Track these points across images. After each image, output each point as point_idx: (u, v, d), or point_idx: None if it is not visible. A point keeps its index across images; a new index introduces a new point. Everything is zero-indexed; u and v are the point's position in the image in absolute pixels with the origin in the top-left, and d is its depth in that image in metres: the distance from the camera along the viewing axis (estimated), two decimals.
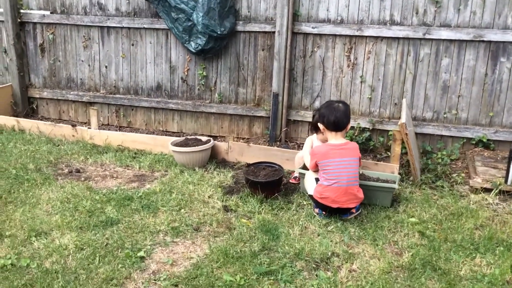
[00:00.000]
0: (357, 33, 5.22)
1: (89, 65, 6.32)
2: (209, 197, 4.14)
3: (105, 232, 3.47)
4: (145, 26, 5.92)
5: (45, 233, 3.45)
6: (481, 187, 4.27)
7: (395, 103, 5.32)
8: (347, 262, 3.14)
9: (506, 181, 4.24)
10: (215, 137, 5.87)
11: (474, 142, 5.11)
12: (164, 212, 3.82)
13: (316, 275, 3.01)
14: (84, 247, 3.26)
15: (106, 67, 6.26)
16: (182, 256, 3.22)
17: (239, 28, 5.59)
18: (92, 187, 4.30)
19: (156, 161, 5.00)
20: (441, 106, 5.19)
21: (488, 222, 3.74)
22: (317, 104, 5.57)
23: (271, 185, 4.12)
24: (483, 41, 4.89)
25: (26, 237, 3.38)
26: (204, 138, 5.11)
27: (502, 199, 4.14)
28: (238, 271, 3.00)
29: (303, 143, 5.57)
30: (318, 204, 3.72)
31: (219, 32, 5.42)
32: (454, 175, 4.66)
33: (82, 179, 4.52)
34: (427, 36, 5.01)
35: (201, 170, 4.74)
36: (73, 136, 5.62)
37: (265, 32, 5.56)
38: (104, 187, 4.34)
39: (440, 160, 4.93)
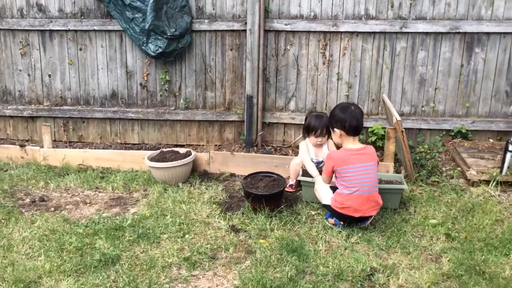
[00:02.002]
0: (332, 29, 5.01)
1: (29, 75, 5.55)
2: (207, 216, 3.72)
3: (108, 273, 2.95)
4: (95, 28, 5.29)
5: (35, 283, 2.86)
6: (479, 180, 4.23)
7: (373, 99, 5.19)
8: (392, 277, 2.90)
9: (501, 172, 4.24)
10: (181, 146, 5.39)
11: (452, 134, 5.12)
12: (167, 241, 3.35)
13: None
14: None
15: (49, 76, 5.53)
16: None
17: (204, 27, 5.16)
18: (68, 218, 3.70)
19: (130, 180, 4.46)
20: (419, 100, 5.14)
21: (501, 216, 3.69)
22: (292, 104, 5.30)
23: (276, 197, 3.79)
24: (458, 32, 4.89)
25: None
26: (182, 150, 4.65)
27: (501, 190, 4.13)
28: None
29: (280, 147, 5.33)
30: (337, 215, 3.46)
31: (168, 34, 4.96)
32: (445, 169, 4.61)
33: (52, 209, 3.89)
34: (404, 30, 4.92)
35: (186, 186, 4.29)
36: (22, 158, 4.89)
37: (233, 31, 5.18)
38: (82, 217, 3.76)
39: (424, 155, 4.86)
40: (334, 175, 3.55)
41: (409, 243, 3.30)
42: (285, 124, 5.36)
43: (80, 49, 5.41)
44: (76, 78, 5.50)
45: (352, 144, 3.51)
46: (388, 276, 2.92)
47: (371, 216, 3.51)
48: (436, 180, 4.37)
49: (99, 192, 4.26)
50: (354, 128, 3.46)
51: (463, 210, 3.78)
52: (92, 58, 5.42)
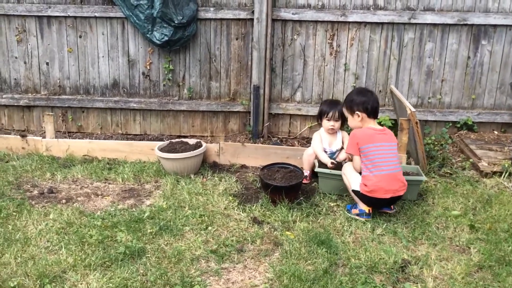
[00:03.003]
0: (340, 19, 4.96)
1: (25, 62, 5.34)
2: (225, 208, 3.64)
3: (136, 266, 2.86)
4: (96, 14, 5.11)
5: (60, 277, 2.75)
6: (491, 171, 4.26)
7: (380, 91, 5.18)
8: (425, 269, 2.89)
9: None
10: (185, 137, 5.26)
11: (458, 126, 5.15)
12: (190, 233, 3.27)
13: None
14: None
15: (47, 63, 5.33)
16: (244, 285, 2.74)
17: (210, 15, 5.05)
18: (83, 210, 3.57)
19: (139, 171, 4.33)
20: (425, 91, 5.15)
21: None
22: (298, 95, 5.25)
23: (295, 188, 3.74)
24: (465, 24, 4.91)
25: (39, 286, 2.65)
26: (191, 141, 4.55)
27: None
28: None
29: (286, 138, 5.28)
30: (366, 200, 3.41)
31: (176, 22, 4.84)
32: (454, 160, 4.64)
33: (63, 201, 3.75)
34: (413, 21, 4.91)
35: (198, 178, 4.20)
36: (23, 148, 4.70)
37: (239, 19, 5.08)
38: (97, 209, 3.64)
39: (433, 146, 4.87)
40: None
41: (435, 234, 3.30)
42: (290, 115, 5.31)
43: (80, 36, 5.23)
44: (75, 67, 5.32)
45: (372, 125, 3.51)
46: (421, 268, 2.90)
47: (398, 198, 3.48)
48: (448, 171, 4.38)
49: (109, 183, 4.13)
50: (375, 109, 3.54)
51: (480, 201, 3.80)
52: (93, 46, 5.25)
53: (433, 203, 3.80)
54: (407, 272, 2.87)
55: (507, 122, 5.12)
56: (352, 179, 3.52)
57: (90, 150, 4.65)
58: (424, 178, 3.85)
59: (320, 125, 4.31)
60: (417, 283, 2.77)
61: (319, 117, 4.24)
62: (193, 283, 2.71)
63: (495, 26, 4.91)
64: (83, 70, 5.33)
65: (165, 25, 4.89)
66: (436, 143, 4.97)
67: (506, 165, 4.24)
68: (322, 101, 4.37)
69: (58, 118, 5.45)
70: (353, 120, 3.61)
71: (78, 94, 5.40)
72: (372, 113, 3.51)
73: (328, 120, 4.15)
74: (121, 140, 5.21)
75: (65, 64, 5.32)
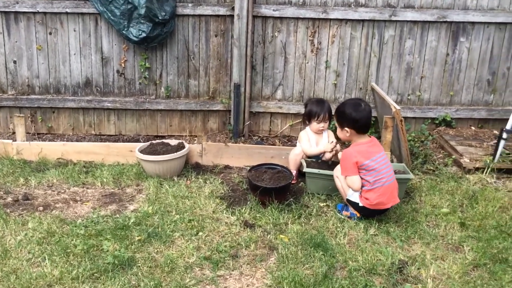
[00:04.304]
0: (322, 16, 4.90)
1: None
2: (213, 212, 3.53)
3: (128, 277, 2.71)
4: (68, 10, 4.87)
5: None
6: (473, 167, 4.30)
7: (360, 88, 5.16)
8: (422, 269, 2.87)
9: (493, 159, 4.34)
10: (162, 137, 5.12)
11: (437, 122, 5.19)
12: (180, 239, 3.14)
13: None
14: None
15: (14, 62, 5.05)
16: None
17: (188, 11, 4.89)
18: (63, 218, 3.38)
19: (119, 174, 4.16)
20: (405, 88, 5.17)
21: (504, 202, 3.75)
22: (279, 93, 5.17)
23: (285, 190, 3.67)
24: (445, 22, 4.93)
25: None
26: (172, 142, 4.39)
27: (496, 177, 4.22)
28: None
29: (266, 136, 5.20)
30: (366, 211, 3.35)
31: (160, 18, 4.67)
32: (436, 157, 4.66)
33: (40, 208, 3.54)
34: (393, 18, 4.90)
35: (182, 180, 4.06)
36: None
37: (218, 16, 4.94)
38: (77, 216, 3.45)
39: (413, 143, 4.88)
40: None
41: (427, 233, 3.29)
42: (271, 114, 5.22)
43: (50, 33, 4.98)
44: (45, 65, 5.06)
45: (362, 138, 3.43)
46: (418, 269, 2.88)
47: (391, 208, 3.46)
48: (431, 168, 4.40)
49: (87, 188, 3.94)
50: (367, 126, 3.40)
51: (466, 198, 3.82)
52: (64, 43, 5.00)
53: (420, 200, 3.79)
54: (405, 273, 2.84)
55: (484, 118, 5.20)
56: (347, 187, 3.44)
57: (64, 153, 4.43)
58: (411, 176, 3.84)
59: (304, 124, 4.25)
60: (416, 284, 2.75)
61: (307, 118, 4.17)
62: None
63: (473, 23, 4.96)
64: (53, 69, 5.07)
65: (142, 21, 4.70)
66: (417, 139, 4.98)
67: (488, 161, 4.29)
68: (307, 101, 4.29)
69: (26, 119, 5.16)
70: (342, 133, 3.46)
71: (48, 94, 5.15)
72: (362, 129, 3.38)
73: (318, 122, 4.09)
74: (95, 141, 5.02)
75: (34, 63, 5.05)
